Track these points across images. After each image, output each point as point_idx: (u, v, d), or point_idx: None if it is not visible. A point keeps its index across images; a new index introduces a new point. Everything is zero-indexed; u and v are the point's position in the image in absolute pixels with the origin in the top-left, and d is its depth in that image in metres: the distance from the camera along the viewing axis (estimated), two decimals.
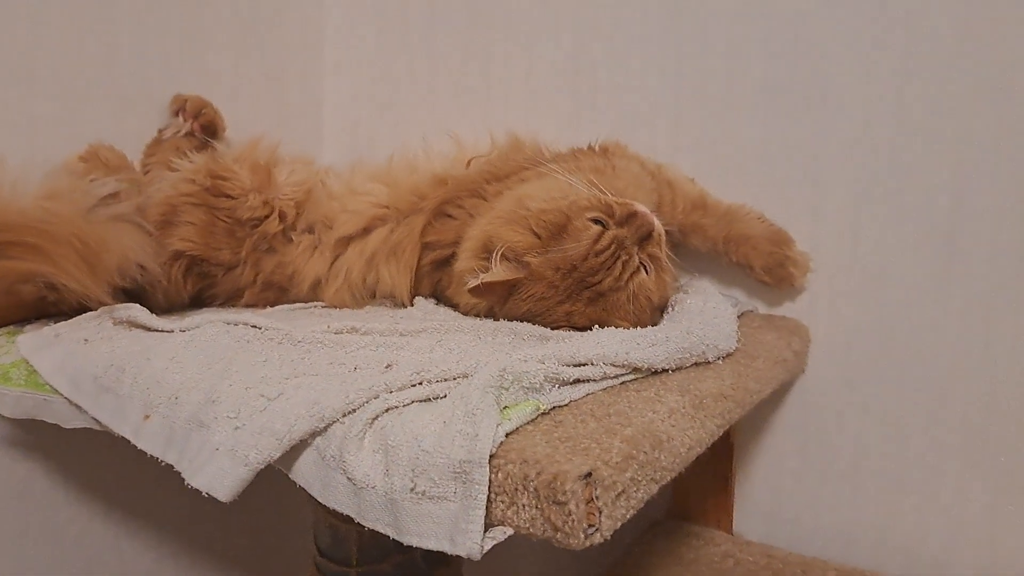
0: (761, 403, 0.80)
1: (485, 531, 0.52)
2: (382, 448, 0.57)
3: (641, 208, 0.83)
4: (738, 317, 0.91)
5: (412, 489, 0.54)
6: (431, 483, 0.54)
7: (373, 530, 0.61)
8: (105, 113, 1.00)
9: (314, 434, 0.59)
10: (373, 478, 0.56)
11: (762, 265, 0.92)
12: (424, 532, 0.53)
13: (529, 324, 0.80)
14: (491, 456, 0.53)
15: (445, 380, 0.63)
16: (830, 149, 0.93)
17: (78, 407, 0.73)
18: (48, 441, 0.97)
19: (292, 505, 1.15)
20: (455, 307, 0.91)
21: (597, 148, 0.98)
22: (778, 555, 0.91)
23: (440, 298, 0.95)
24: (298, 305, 0.94)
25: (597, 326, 0.78)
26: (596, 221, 0.81)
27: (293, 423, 0.59)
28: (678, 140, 1.01)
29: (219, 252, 0.92)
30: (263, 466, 0.59)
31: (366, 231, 0.95)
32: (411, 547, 0.56)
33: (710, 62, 0.99)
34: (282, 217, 0.94)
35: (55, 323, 0.84)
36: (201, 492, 0.60)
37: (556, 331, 0.78)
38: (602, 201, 0.82)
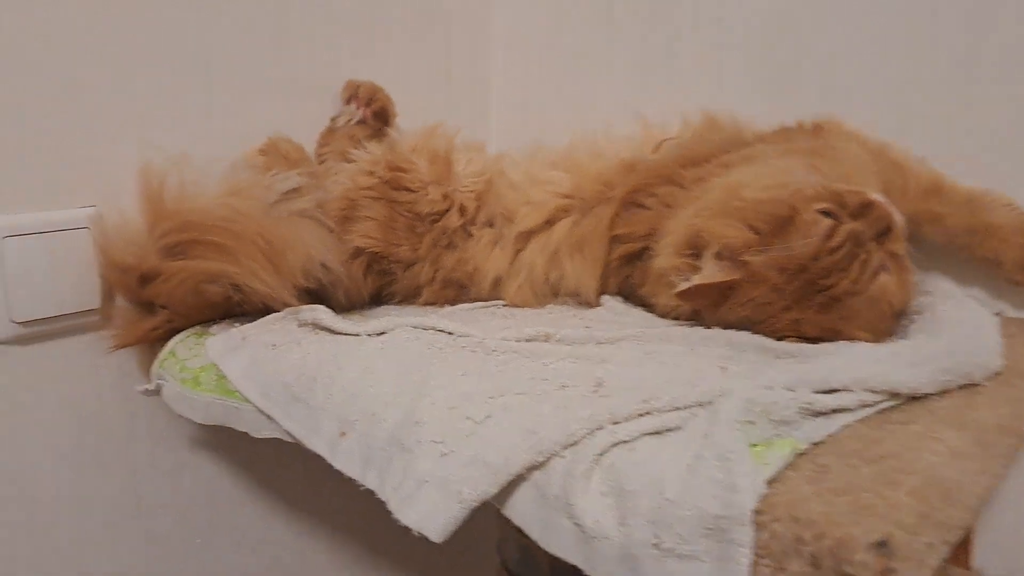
0: None
1: None
2: (614, 492, 0.50)
3: (878, 197, 0.72)
4: None
5: (656, 544, 0.47)
6: (679, 539, 0.46)
7: None
8: (278, 103, 0.97)
9: (532, 468, 0.52)
10: (606, 527, 0.49)
11: (1014, 260, 0.79)
12: None
13: (746, 333, 0.71)
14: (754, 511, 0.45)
15: (676, 409, 0.55)
16: None
17: (268, 416, 0.70)
18: (236, 443, 0.96)
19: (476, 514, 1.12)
20: (648, 307, 0.83)
21: (808, 126, 0.87)
22: None
23: (629, 296, 0.87)
24: (478, 304, 0.89)
25: (829, 337, 0.68)
26: (825, 213, 0.71)
27: (508, 454, 0.52)
28: (903, 116, 0.88)
29: (399, 248, 0.87)
30: (478, 503, 0.53)
31: (548, 224, 0.88)
32: None
33: (946, 24, 0.85)
34: (462, 211, 0.88)
35: (241, 324, 0.81)
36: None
37: (781, 342, 0.69)
38: (831, 189, 0.72)
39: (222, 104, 0.91)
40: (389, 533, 1.10)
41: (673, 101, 0.98)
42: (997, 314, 0.83)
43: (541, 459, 0.52)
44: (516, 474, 0.52)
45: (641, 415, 0.54)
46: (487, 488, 0.52)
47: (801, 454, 0.52)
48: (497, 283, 0.89)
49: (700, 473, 0.47)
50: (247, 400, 0.71)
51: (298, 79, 0.99)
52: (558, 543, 0.51)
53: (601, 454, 0.51)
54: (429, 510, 0.54)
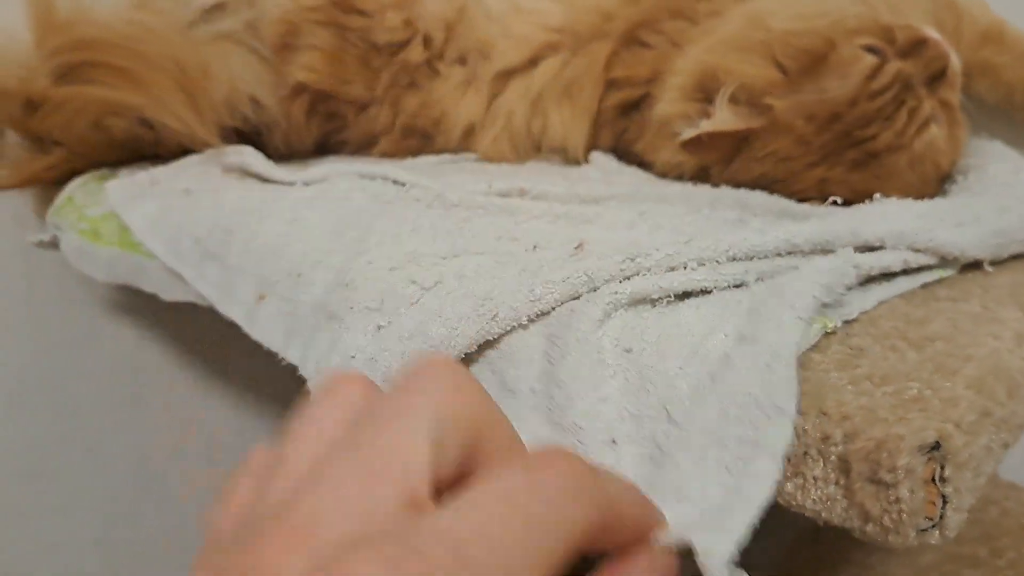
0: None
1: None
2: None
3: (932, 34, 0.59)
4: None
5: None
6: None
7: None
8: None
9: (486, 344, 0.41)
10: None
11: None
12: None
13: (762, 193, 0.59)
14: None
15: (671, 270, 0.43)
16: None
17: (179, 275, 0.58)
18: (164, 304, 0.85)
19: None
20: (647, 166, 0.71)
21: None
22: None
23: (624, 154, 0.74)
24: (445, 157, 0.76)
25: (859, 201, 0.56)
26: (870, 50, 0.57)
27: (455, 326, 0.41)
28: None
29: (350, 86, 0.73)
30: None
31: (532, 62, 0.74)
32: None
33: None
34: (427, 43, 0.73)
35: (153, 167, 0.68)
36: None
37: (803, 205, 0.57)
38: (878, 22, 0.58)
39: None
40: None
41: None
42: None
43: (497, 330, 0.40)
44: (464, 349, 0.41)
45: (627, 277, 0.42)
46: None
47: (830, 333, 0.40)
48: (469, 132, 0.75)
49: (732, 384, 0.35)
50: (153, 256, 0.60)
51: None
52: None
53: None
54: None
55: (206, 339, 0.89)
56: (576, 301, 0.41)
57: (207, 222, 0.56)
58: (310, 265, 0.50)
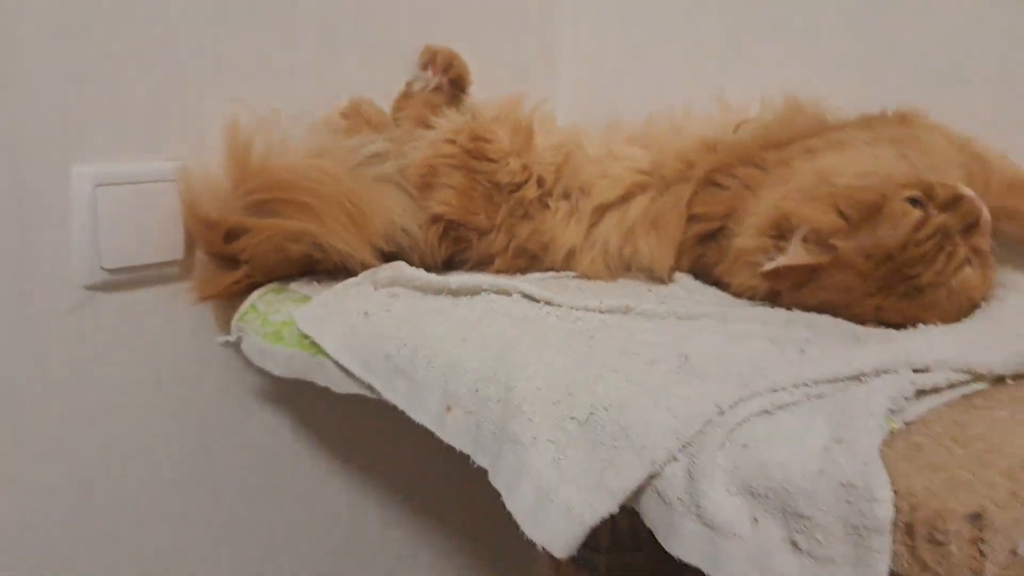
0: None
1: None
2: (742, 491, 0.50)
3: (968, 192, 0.72)
4: None
5: (794, 544, 0.48)
6: (815, 543, 0.47)
7: (631, 518, 0.55)
8: (356, 64, 0.98)
9: (650, 477, 0.53)
10: (738, 526, 0.49)
11: None
12: None
13: (827, 316, 0.72)
14: None
15: (775, 392, 0.55)
16: None
17: (369, 386, 0.71)
18: (298, 399, 0.99)
19: None
20: (723, 287, 0.84)
21: (891, 115, 0.86)
22: None
23: (702, 275, 0.88)
24: (550, 274, 0.90)
25: (909, 324, 0.69)
26: (914, 203, 0.71)
27: (627, 474, 0.53)
28: (991, 111, 0.88)
29: (476, 217, 0.88)
30: (598, 523, 0.54)
31: (625, 199, 0.89)
32: None
33: None
34: (540, 183, 0.89)
35: (318, 283, 0.83)
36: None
37: (862, 327, 0.69)
38: (922, 180, 0.72)
39: (304, 62, 0.93)
40: (439, 491, 1.14)
41: (750, 81, 0.97)
42: None
43: (657, 469, 0.52)
44: (635, 489, 0.53)
45: (744, 400, 0.54)
46: (609, 509, 0.53)
47: (895, 433, 0.52)
48: (571, 255, 0.90)
49: (836, 477, 0.47)
50: (345, 369, 0.73)
51: (376, 42, 1.00)
52: (683, 545, 0.51)
53: (718, 451, 0.51)
54: (555, 530, 0.54)
55: (328, 428, 1.03)
56: (708, 425, 0.53)
57: (393, 341, 0.69)
58: (485, 383, 0.62)
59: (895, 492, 0.46)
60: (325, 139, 0.85)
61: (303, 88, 0.93)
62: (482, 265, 0.92)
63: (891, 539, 0.45)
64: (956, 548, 0.44)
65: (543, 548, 0.55)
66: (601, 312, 0.73)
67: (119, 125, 0.80)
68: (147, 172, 0.82)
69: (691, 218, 0.86)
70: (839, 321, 0.70)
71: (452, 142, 0.88)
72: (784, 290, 0.75)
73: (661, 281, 0.88)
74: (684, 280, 0.87)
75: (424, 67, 1.02)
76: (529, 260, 0.91)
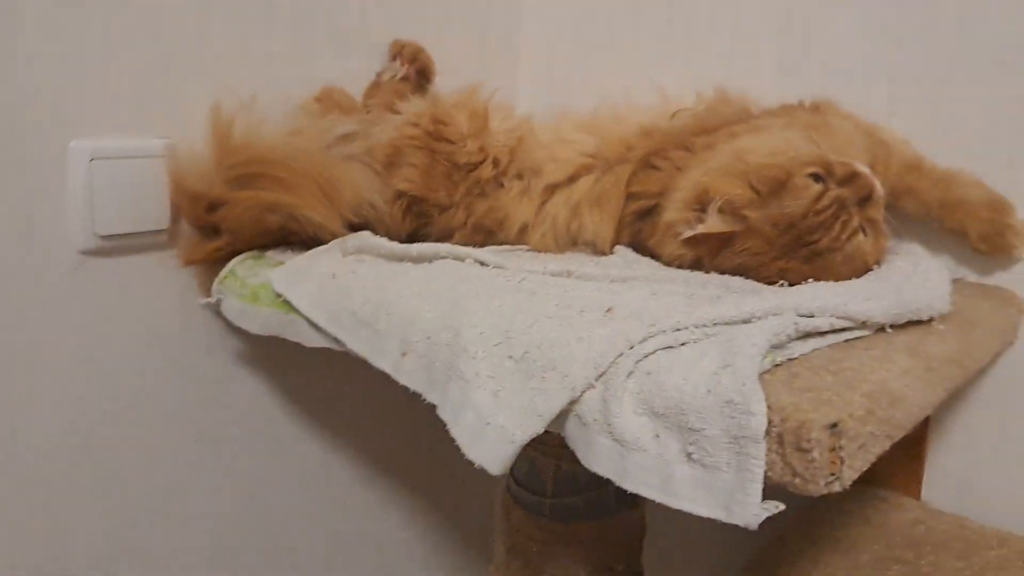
0: None
1: (761, 504, 0.54)
2: (647, 412, 0.59)
3: (863, 169, 0.82)
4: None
5: (688, 455, 0.57)
6: (704, 453, 0.56)
7: (571, 464, 0.64)
8: (330, 57, 1.07)
9: (572, 402, 0.62)
10: (643, 441, 0.58)
11: (978, 232, 0.90)
12: (697, 498, 0.56)
13: (740, 278, 0.82)
14: None
15: (677, 331, 0.65)
16: None
17: (335, 338, 0.80)
18: (276, 361, 1.08)
19: None
20: (656, 257, 0.93)
21: (808, 104, 0.97)
22: (971, 526, 0.90)
23: (639, 248, 0.97)
24: (505, 247, 0.99)
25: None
26: (816, 179, 0.81)
27: (552, 399, 0.62)
28: (894, 102, 0.98)
29: (437, 193, 0.97)
30: (527, 441, 0.63)
31: (572, 179, 0.98)
32: (604, 483, 0.60)
33: (938, 18, 0.95)
34: (495, 163, 0.98)
35: (292, 252, 0.92)
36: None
37: (770, 286, 0.79)
38: (824, 159, 0.82)
39: (282, 51, 1.01)
40: (405, 445, 1.23)
41: (687, 77, 1.07)
42: (960, 278, 0.94)
43: (577, 395, 0.61)
44: (558, 413, 0.62)
45: (652, 336, 0.64)
46: (536, 430, 0.62)
47: (779, 365, 0.62)
48: (523, 230, 0.99)
49: (721, 395, 0.56)
50: (314, 324, 0.82)
51: (349, 36, 1.09)
52: (598, 459, 0.60)
53: (627, 378, 0.60)
54: (490, 450, 0.63)
55: (304, 392, 1.12)
56: (620, 357, 0.63)
57: (357, 298, 0.78)
58: (437, 330, 0.72)
59: (769, 407, 0.56)
60: (300, 121, 0.94)
61: (280, 76, 1.01)
62: (443, 239, 1.00)
63: (765, 447, 0.54)
64: (818, 454, 0.54)
65: (480, 467, 0.64)
66: (546, 275, 0.83)
67: (113, 105, 0.88)
68: (138, 148, 0.90)
69: (630, 196, 0.96)
70: (747, 282, 0.80)
71: (415, 125, 0.97)
72: (704, 256, 0.85)
73: (603, 253, 0.97)
74: (623, 252, 0.96)
75: (393, 58, 1.11)
76: (486, 235, 1.00)
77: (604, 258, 0.96)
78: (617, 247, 0.97)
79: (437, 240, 1.00)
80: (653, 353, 0.63)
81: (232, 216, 0.89)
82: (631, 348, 0.63)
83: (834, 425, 0.54)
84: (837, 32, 1.03)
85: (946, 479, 0.98)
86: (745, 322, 0.65)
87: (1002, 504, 0.95)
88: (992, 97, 0.92)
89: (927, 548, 0.86)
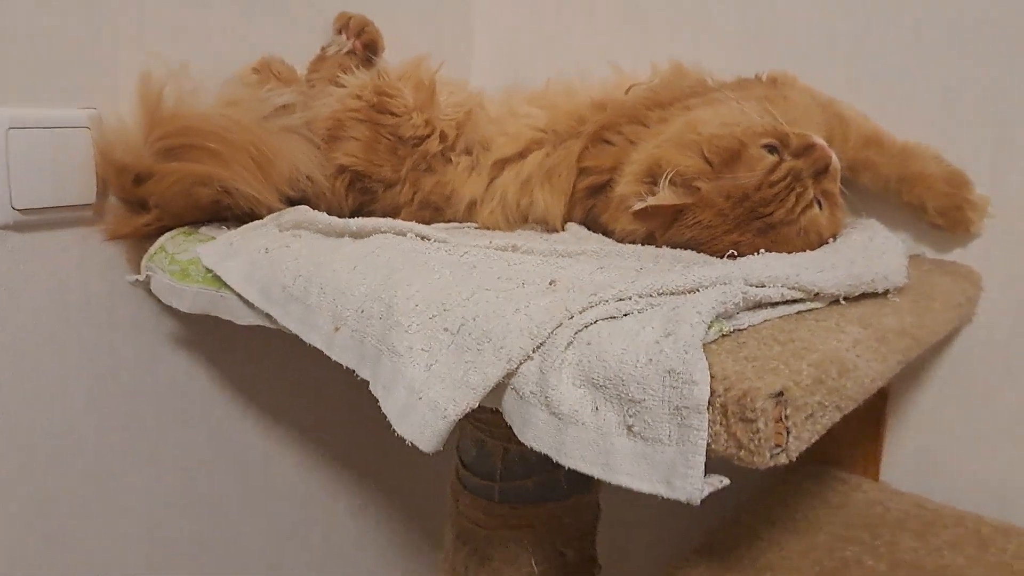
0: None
1: (704, 479, 0.51)
2: (585, 383, 0.56)
3: (819, 140, 0.80)
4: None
5: (629, 428, 0.53)
6: (645, 425, 0.53)
7: (520, 447, 0.60)
8: (274, 27, 1.03)
9: (508, 375, 0.58)
10: (582, 414, 0.55)
11: (936, 207, 0.87)
12: (637, 473, 0.53)
13: (692, 252, 0.79)
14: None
15: (621, 300, 0.62)
16: (1021, 84, 0.86)
17: (268, 315, 0.76)
18: (210, 340, 1.03)
19: None
20: (609, 233, 0.90)
21: (765, 78, 0.94)
22: (929, 506, 0.88)
23: (592, 225, 0.94)
24: (453, 224, 0.96)
25: None
26: (771, 150, 0.78)
27: (487, 371, 0.58)
28: (852, 73, 0.96)
29: (381, 168, 0.93)
30: (461, 416, 0.59)
31: (522, 154, 0.95)
32: (556, 465, 0.56)
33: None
34: (442, 137, 0.95)
35: (227, 228, 0.87)
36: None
37: (722, 260, 0.76)
38: (779, 130, 0.80)
39: (221, 21, 0.97)
40: (352, 429, 1.19)
41: (645, 51, 1.05)
42: (919, 255, 0.92)
43: (514, 366, 0.58)
44: (493, 386, 0.58)
45: (593, 305, 0.61)
46: (470, 403, 0.59)
47: (726, 335, 0.59)
48: (472, 206, 0.95)
49: (662, 365, 0.52)
50: (246, 300, 0.77)
51: (293, 6, 1.05)
52: (535, 434, 0.57)
53: (565, 349, 0.57)
54: (421, 425, 0.60)
55: (244, 368, 1.07)
56: (559, 327, 0.59)
57: (290, 273, 0.74)
58: (370, 303, 0.68)
59: (712, 377, 0.52)
60: (236, 91, 0.89)
61: (219, 47, 0.97)
62: (389, 216, 0.96)
63: (708, 418, 0.51)
64: (763, 424, 0.51)
65: (411, 443, 0.61)
66: (490, 249, 0.79)
67: (36, 72, 0.83)
68: (62, 118, 0.85)
69: (582, 171, 0.93)
70: (699, 255, 0.77)
71: (358, 97, 0.93)
72: (656, 230, 0.82)
73: (555, 230, 0.94)
74: (575, 228, 0.93)
75: (338, 32, 1.07)
76: (433, 212, 0.97)
77: (556, 235, 0.93)
78: (569, 224, 0.94)
79: (382, 217, 0.97)
80: (594, 323, 0.59)
81: (161, 189, 0.84)
82: (571, 318, 0.59)
83: (779, 394, 0.52)
84: (796, 5, 1.00)
85: (905, 459, 0.96)
86: (692, 291, 0.62)
87: (962, 483, 0.93)
88: (951, 71, 0.90)
89: (884, 528, 0.84)
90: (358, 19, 1.06)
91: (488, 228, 0.95)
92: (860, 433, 0.96)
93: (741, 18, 1.05)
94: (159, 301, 0.87)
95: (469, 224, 0.96)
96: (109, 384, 0.94)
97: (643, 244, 0.84)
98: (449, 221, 0.97)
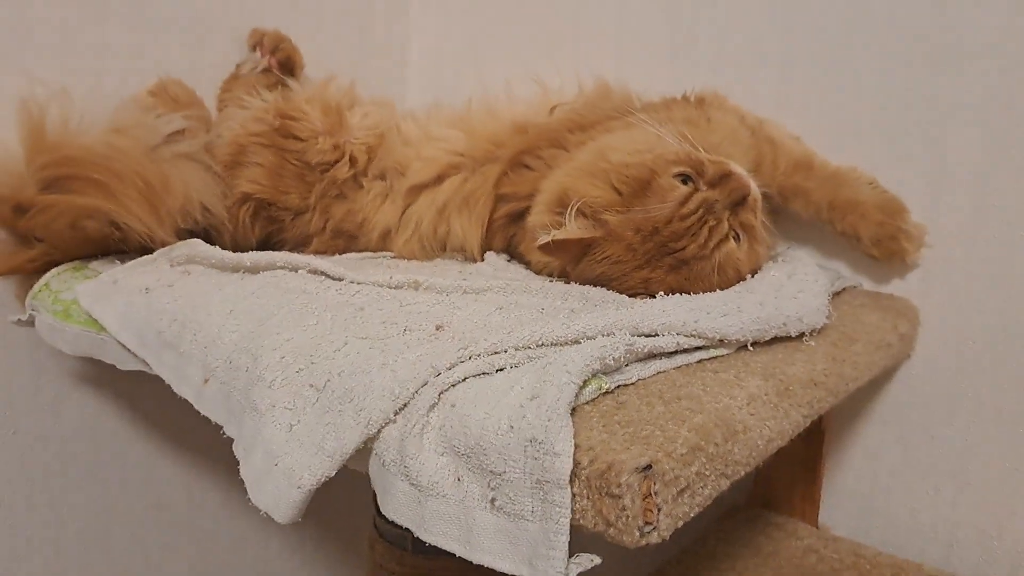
0: (859, 388, 0.72)
1: (570, 560, 0.46)
2: (448, 451, 0.51)
3: (736, 169, 0.75)
4: (839, 292, 0.82)
5: (491, 501, 0.49)
6: (507, 499, 0.48)
7: None
8: (181, 45, 0.98)
9: (368, 440, 0.53)
10: (442, 485, 0.50)
11: (870, 236, 0.82)
12: (499, 551, 0.48)
13: (603, 289, 0.74)
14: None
15: (495, 354, 0.56)
16: (958, 107, 0.81)
17: (145, 362, 0.71)
18: (122, 379, 0.97)
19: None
20: (528, 264, 0.85)
21: (692, 98, 0.89)
22: (867, 554, 0.83)
23: (513, 254, 0.89)
24: (367, 254, 0.91)
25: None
26: (685, 180, 0.73)
27: (344, 437, 0.53)
28: (784, 93, 0.91)
29: (288, 196, 0.88)
30: (319, 485, 0.54)
31: (439, 179, 0.90)
32: None
33: (828, 7, 0.88)
34: (353, 162, 0.90)
35: (121, 263, 0.82)
36: None
37: (632, 299, 0.71)
38: (692, 157, 0.74)
39: (118, 42, 0.91)
40: None
41: (575, 68, 0.99)
42: (856, 286, 0.87)
43: (373, 431, 0.53)
44: (351, 453, 0.53)
45: (463, 361, 0.56)
46: (326, 472, 0.54)
47: (607, 392, 0.54)
48: (386, 235, 0.91)
49: (524, 433, 0.48)
50: (124, 346, 0.72)
51: (205, 23, 1.00)
52: (395, 506, 0.52)
53: (429, 411, 0.52)
54: (275, 495, 0.55)
55: (156, 408, 1.02)
56: (424, 387, 0.54)
57: (166, 316, 0.69)
58: (238, 354, 0.63)
59: (577, 447, 0.47)
60: (126, 117, 0.84)
61: (116, 68, 0.92)
62: (300, 246, 0.92)
63: (571, 493, 0.46)
64: (630, 500, 0.46)
65: (266, 514, 0.56)
66: (389, 287, 0.74)
67: None
68: None
69: (500, 198, 0.88)
70: (611, 293, 0.72)
71: (260, 120, 0.88)
72: (567, 264, 0.77)
73: (474, 260, 0.89)
74: (494, 259, 0.88)
75: (253, 48, 1.02)
76: (347, 240, 0.92)
77: (473, 266, 0.88)
78: (488, 253, 0.89)
79: (293, 247, 0.92)
80: (463, 381, 0.54)
81: (45, 222, 0.79)
82: (437, 375, 0.54)
83: (647, 467, 0.47)
84: (725, 20, 0.95)
85: (844, 501, 0.91)
86: (574, 343, 0.57)
87: (903, 526, 0.88)
88: (884, 88, 0.85)
89: None
90: (272, 35, 1.01)
91: (404, 258, 0.90)
92: (797, 475, 0.91)
93: (670, 34, 1.00)
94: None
95: (384, 253, 0.91)
96: (3, 431, 0.89)
97: (558, 277, 0.80)
98: (363, 250, 0.92)
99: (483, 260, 0.89)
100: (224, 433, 0.62)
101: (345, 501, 1.18)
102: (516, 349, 0.56)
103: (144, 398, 1.01)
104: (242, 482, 0.59)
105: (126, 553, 1.02)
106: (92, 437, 0.96)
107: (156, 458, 1.03)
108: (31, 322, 0.81)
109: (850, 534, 0.89)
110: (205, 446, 1.07)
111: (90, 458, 0.96)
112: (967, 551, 0.84)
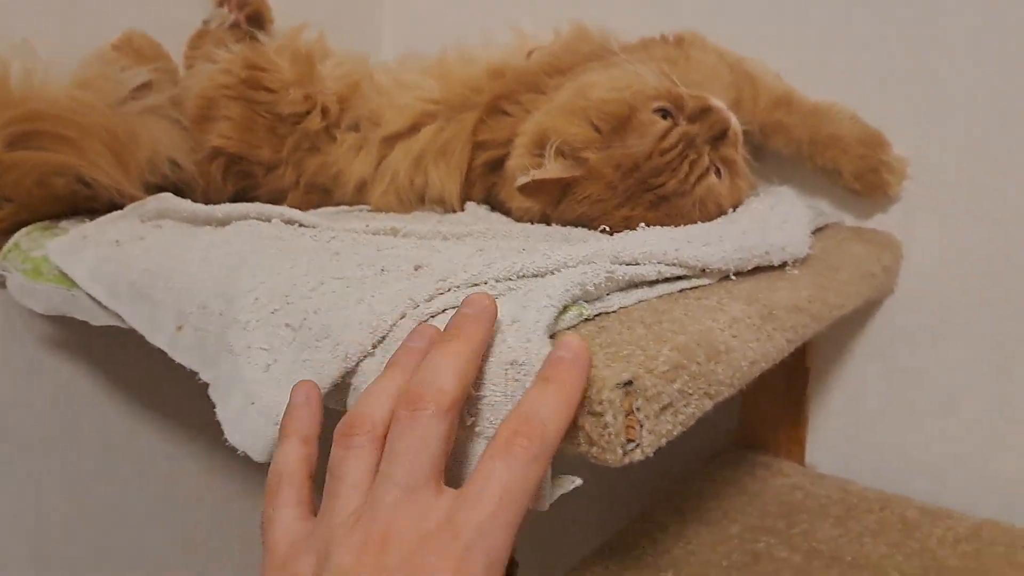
0: (843, 323, 0.71)
1: (552, 481, 0.46)
2: None
3: (716, 103, 0.74)
4: (821, 228, 0.82)
5: (472, 425, 0.48)
6: (489, 424, 0.47)
7: None
8: (148, 1, 0.95)
9: (347, 375, 0.52)
10: None
11: (852, 170, 0.81)
12: None
13: (584, 229, 0.73)
14: None
15: (475, 285, 0.56)
16: (946, 38, 0.80)
17: (118, 315, 0.69)
18: (97, 344, 0.96)
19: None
20: (508, 212, 0.84)
21: (671, 38, 0.88)
22: (854, 489, 0.83)
23: (494, 203, 0.88)
24: (343, 208, 0.89)
25: None
26: (664, 115, 0.72)
27: (323, 371, 0.52)
28: (763, 29, 0.90)
29: (259, 150, 0.86)
30: None
31: (414, 129, 0.88)
32: None
33: None
34: (325, 113, 0.88)
35: (89, 221, 0.80)
36: None
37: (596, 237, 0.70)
38: (672, 92, 0.73)
39: None
40: None
41: (554, 15, 0.97)
42: (838, 222, 0.86)
43: (351, 364, 0.52)
44: (330, 388, 0.52)
45: (441, 292, 0.55)
46: None
47: (588, 319, 0.53)
48: (361, 187, 0.89)
49: (503, 356, 0.47)
50: (95, 300, 0.71)
51: None
52: None
53: None
54: (252, 433, 0.54)
55: (134, 371, 1.00)
56: (402, 319, 0.53)
57: (138, 267, 0.67)
58: (213, 298, 0.61)
59: None
60: (91, 71, 0.82)
61: (83, 23, 0.89)
62: (274, 201, 0.89)
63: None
64: (611, 417, 0.45)
65: (243, 453, 0.55)
66: (366, 234, 0.72)
67: None
68: None
69: (478, 145, 0.86)
70: (592, 233, 0.71)
71: (228, 72, 0.86)
72: (547, 206, 0.76)
73: (453, 210, 0.88)
74: (474, 208, 0.87)
75: (220, 3, 0.99)
76: (322, 194, 0.90)
77: (452, 216, 0.86)
78: (468, 203, 0.88)
79: (267, 202, 0.90)
80: (441, 313, 0.53)
81: (12, 181, 0.77)
82: (415, 307, 0.53)
83: (628, 383, 0.46)
84: None
85: (831, 440, 0.91)
86: (554, 272, 0.56)
87: (891, 463, 0.88)
88: (865, 24, 0.84)
89: (802, 516, 0.79)
90: None
91: (381, 210, 0.88)
92: (782, 414, 0.91)
93: None
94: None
95: (361, 207, 0.90)
96: None
97: (540, 222, 0.78)
98: (339, 204, 0.90)
99: (463, 210, 0.87)
100: (199, 378, 0.61)
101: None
102: (496, 281, 0.55)
103: (123, 364, 0.99)
104: (226, 446, 0.58)
105: (107, 520, 1.00)
106: (69, 403, 0.95)
107: (134, 423, 1.02)
108: (2, 283, 0.80)
109: (838, 473, 0.89)
110: (186, 411, 1.05)
111: (68, 427, 0.95)
112: (956, 483, 0.84)
